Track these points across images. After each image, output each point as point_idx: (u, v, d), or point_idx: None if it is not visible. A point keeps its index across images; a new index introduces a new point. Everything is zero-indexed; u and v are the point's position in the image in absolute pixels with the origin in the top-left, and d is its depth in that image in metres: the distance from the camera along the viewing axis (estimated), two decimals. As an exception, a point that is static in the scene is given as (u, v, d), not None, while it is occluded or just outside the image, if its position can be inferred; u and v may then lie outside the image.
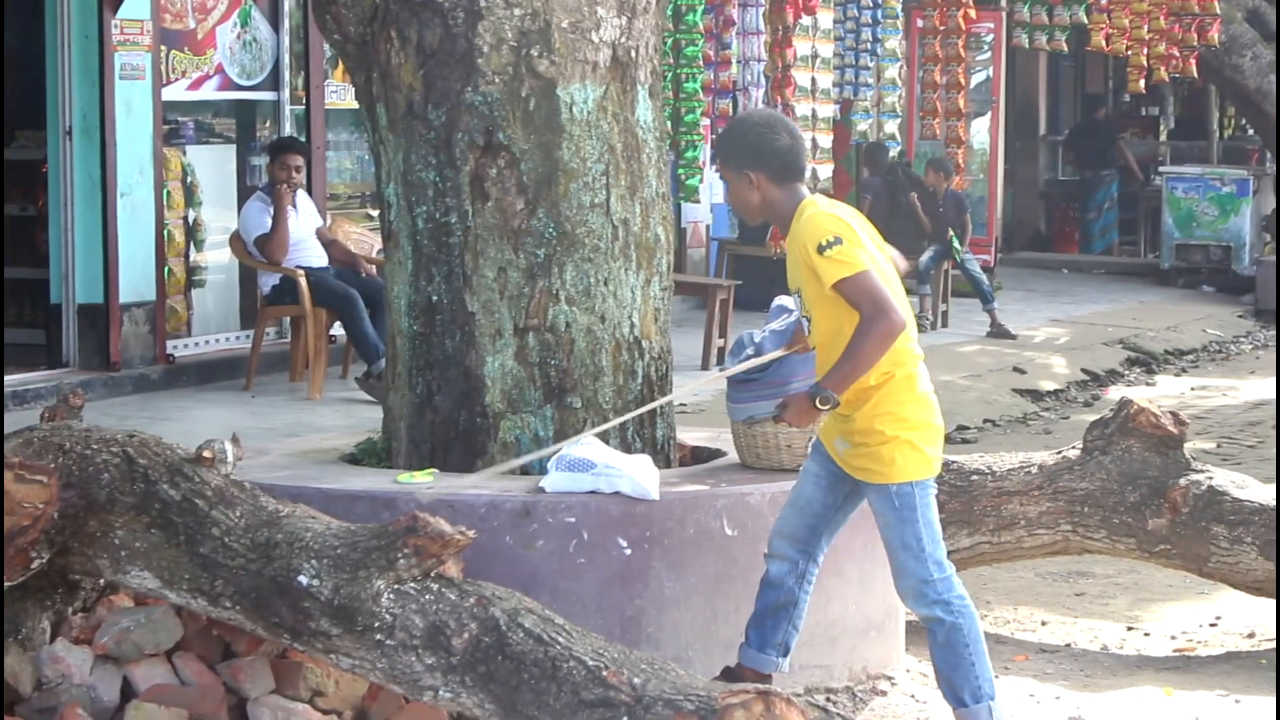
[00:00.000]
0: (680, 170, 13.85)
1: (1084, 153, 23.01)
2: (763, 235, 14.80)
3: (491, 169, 6.41)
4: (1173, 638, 7.38)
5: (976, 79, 19.45)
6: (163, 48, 12.21)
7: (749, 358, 6.24)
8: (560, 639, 5.03)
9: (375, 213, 13.04)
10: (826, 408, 5.46)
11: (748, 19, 14.10)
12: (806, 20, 14.18)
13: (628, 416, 6.37)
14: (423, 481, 6.15)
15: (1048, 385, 13.99)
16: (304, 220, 11.96)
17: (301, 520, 5.28)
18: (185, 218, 12.56)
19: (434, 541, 5.06)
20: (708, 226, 17.09)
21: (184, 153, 12.62)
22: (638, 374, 6.55)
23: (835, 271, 5.38)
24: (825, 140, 14.60)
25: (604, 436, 6.31)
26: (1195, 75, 18.93)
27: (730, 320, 13.70)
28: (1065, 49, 19.71)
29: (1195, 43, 18.14)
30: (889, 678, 6.47)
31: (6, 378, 11.03)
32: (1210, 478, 7.04)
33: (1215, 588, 7.56)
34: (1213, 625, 7.51)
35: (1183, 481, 7.01)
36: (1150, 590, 8.09)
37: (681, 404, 10.75)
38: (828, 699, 6.20)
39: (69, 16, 11.64)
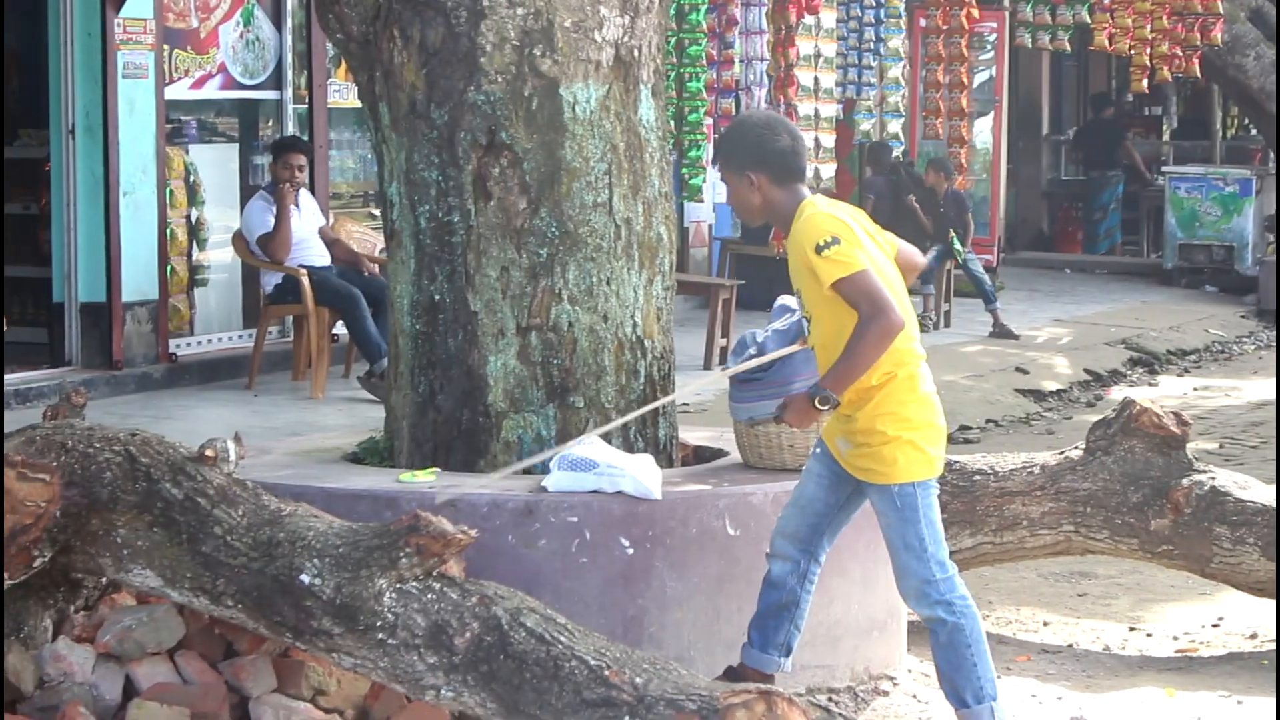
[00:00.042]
0: (684, 170, 13.86)
1: (1091, 152, 23.00)
2: (765, 235, 14.80)
3: (494, 168, 6.41)
4: (1175, 638, 7.37)
5: (979, 78, 19.46)
6: (165, 46, 12.22)
7: (751, 358, 6.23)
8: (562, 638, 5.03)
9: (378, 212, 13.04)
10: (826, 408, 5.45)
11: (751, 18, 14.09)
12: (809, 19, 14.19)
13: (630, 416, 6.37)
14: (424, 481, 6.15)
15: (1050, 385, 13.99)
16: (306, 219, 11.97)
17: (304, 519, 5.28)
18: (188, 217, 12.56)
19: (436, 541, 5.06)
20: (710, 226, 17.10)
21: (187, 151, 12.63)
22: (640, 373, 6.55)
23: (833, 271, 5.38)
24: (828, 140, 14.60)
25: (606, 436, 6.31)
26: (1198, 75, 18.92)
27: (733, 320, 13.70)
28: (1068, 48, 19.70)
29: (1198, 42, 18.12)
30: (891, 678, 6.47)
31: (9, 376, 11.04)
32: (1213, 478, 7.03)
33: (1218, 588, 7.56)
34: (1215, 626, 7.50)
35: (1185, 482, 7.00)
36: (1152, 591, 8.09)
37: (684, 404, 10.75)
38: (830, 699, 6.20)
39: (72, 15, 11.65)
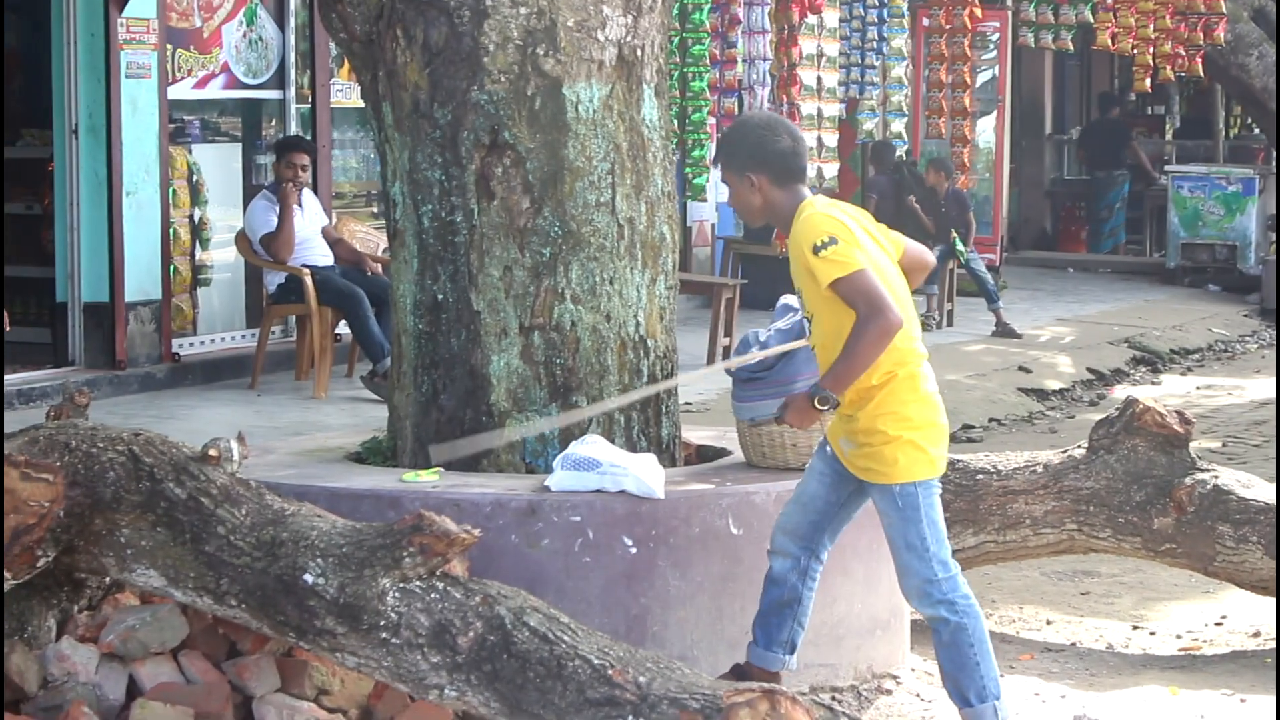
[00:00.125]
0: (687, 169, 13.86)
1: (1096, 152, 22.99)
2: (768, 234, 14.79)
3: (497, 168, 6.41)
4: (1178, 637, 7.37)
5: (982, 78, 19.46)
6: (168, 46, 12.22)
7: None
8: (565, 637, 5.03)
9: (381, 211, 13.06)
10: (826, 408, 5.46)
11: (754, 18, 14.09)
12: (812, 19, 14.19)
13: (630, 397, 6.37)
14: (428, 481, 6.15)
15: (1053, 384, 13.99)
16: (310, 219, 11.97)
17: (307, 519, 5.28)
18: (191, 216, 12.56)
19: (439, 540, 5.06)
20: (713, 225, 17.10)
21: (190, 151, 12.63)
22: (643, 373, 6.55)
23: (830, 271, 5.38)
24: (831, 139, 14.60)
25: (609, 436, 6.32)
26: (1201, 74, 18.92)
27: (735, 319, 13.69)
28: (1071, 48, 19.70)
29: (1201, 42, 18.13)
30: (894, 677, 6.47)
31: (12, 376, 11.04)
32: (1216, 477, 7.03)
33: (1221, 587, 7.56)
34: (1218, 624, 7.50)
35: (1188, 480, 7.01)
36: (1155, 589, 8.09)
37: (686, 403, 10.75)
38: (833, 698, 6.20)
39: (75, 15, 11.65)
